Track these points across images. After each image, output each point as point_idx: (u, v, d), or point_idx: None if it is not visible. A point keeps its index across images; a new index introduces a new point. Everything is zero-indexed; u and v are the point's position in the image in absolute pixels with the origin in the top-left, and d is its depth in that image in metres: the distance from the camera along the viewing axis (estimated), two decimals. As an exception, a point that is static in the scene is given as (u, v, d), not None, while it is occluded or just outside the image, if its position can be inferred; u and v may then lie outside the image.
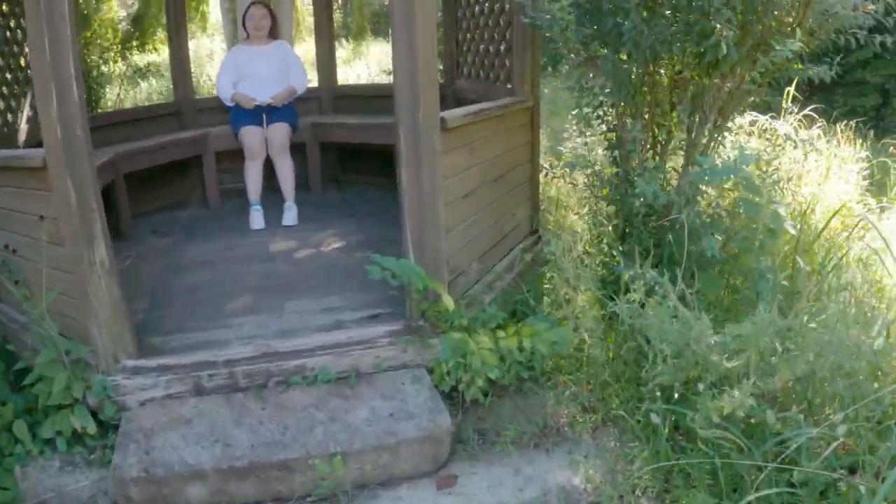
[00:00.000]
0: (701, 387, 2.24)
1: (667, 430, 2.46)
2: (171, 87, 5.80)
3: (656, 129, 3.23)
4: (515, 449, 2.64)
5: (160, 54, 13.93)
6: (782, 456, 2.10)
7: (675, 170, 3.36)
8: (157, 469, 2.36)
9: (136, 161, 4.51)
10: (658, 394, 2.47)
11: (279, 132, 4.62)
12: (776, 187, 3.64)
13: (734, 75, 2.82)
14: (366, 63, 13.95)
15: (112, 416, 2.65)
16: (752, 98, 3.16)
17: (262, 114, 4.62)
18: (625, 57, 2.94)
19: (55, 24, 2.35)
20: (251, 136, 4.59)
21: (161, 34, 13.62)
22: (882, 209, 4.59)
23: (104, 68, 9.85)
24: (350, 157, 5.57)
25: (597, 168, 3.41)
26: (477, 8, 4.33)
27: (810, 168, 4.97)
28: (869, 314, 2.77)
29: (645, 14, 2.80)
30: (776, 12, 2.61)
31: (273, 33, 4.83)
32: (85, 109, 2.49)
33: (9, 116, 3.75)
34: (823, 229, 3.52)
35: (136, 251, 4.17)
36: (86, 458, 2.64)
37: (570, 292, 2.90)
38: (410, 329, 2.88)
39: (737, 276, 3.17)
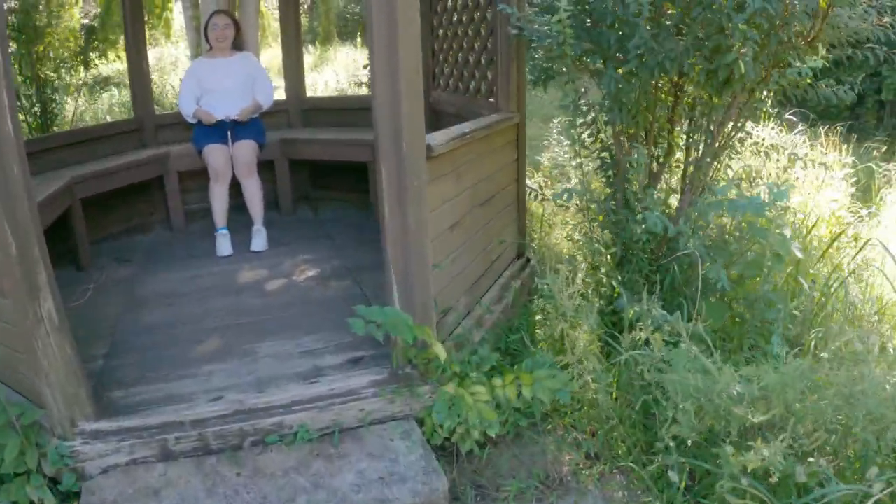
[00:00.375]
0: (726, 445, 2.03)
1: (682, 483, 2.26)
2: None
3: (654, 149, 3.03)
4: (518, 506, 2.41)
5: (123, 63, 13.39)
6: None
7: (672, 190, 3.17)
8: (120, 553, 2.08)
9: (94, 185, 4.18)
10: (671, 444, 2.27)
11: (245, 150, 4.33)
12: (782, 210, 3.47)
13: (745, 92, 2.62)
14: (333, 70, 13.62)
15: (72, 486, 2.35)
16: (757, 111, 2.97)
17: (226, 130, 4.33)
18: (627, 73, 2.72)
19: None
20: (215, 154, 4.29)
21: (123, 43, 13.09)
22: (871, 215, 4.50)
23: (66, 78, 9.36)
24: (321, 174, 5.28)
25: (594, 192, 3.19)
26: (455, 17, 4.09)
27: (798, 176, 4.86)
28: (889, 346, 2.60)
29: (649, 28, 2.58)
30: (796, 26, 2.40)
31: (237, 44, 4.53)
32: (22, 145, 2.17)
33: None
34: (826, 251, 3.36)
35: (96, 281, 3.88)
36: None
37: (568, 331, 2.67)
38: (397, 377, 2.62)
39: (741, 303, 2.99)
